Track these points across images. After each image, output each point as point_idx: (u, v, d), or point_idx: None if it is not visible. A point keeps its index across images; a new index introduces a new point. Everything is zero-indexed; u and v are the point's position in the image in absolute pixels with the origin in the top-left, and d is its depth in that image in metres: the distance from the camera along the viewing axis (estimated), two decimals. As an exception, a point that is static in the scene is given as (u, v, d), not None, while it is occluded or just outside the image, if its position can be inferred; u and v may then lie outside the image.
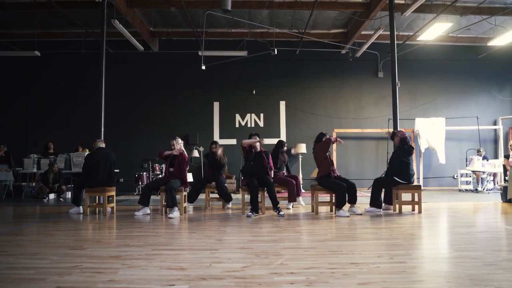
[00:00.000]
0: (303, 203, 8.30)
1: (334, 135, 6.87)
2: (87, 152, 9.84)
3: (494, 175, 11.62)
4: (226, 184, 11.41)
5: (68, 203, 9.18)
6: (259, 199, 7.29)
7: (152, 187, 7.21)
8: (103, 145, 7.49)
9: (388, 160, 7.70)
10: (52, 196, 10.25)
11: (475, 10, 10.42)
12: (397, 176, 7.14)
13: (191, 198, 7.78)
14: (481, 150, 11.63)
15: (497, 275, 3.07)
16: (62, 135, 12.64)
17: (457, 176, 12.75)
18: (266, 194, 7.17)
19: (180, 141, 7.29)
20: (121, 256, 3.76)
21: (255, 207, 6.79)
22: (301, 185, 8.43)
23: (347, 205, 6.91)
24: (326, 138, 7.04)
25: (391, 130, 7.61)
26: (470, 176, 12.08)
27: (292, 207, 7.90)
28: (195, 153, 12.52)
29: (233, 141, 13.06)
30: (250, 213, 6.72)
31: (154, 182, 7.41)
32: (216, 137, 13.20)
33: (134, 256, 3.78)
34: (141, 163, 12.17)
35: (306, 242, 4.56)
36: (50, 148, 11.43)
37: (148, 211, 7.11)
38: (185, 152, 7.32)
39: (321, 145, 7.03)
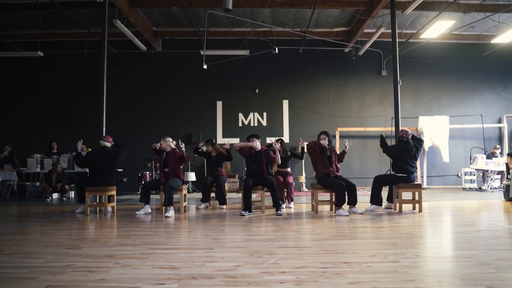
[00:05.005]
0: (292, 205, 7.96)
1: (337, 138, 6.78)
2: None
3: (502, 173, 11.50)
4: (229, 184, 11.55)
5: (71, 203, 9.26)
6: (259, 199, 7.33)
7: (151, 186, 7.25)
8: (107, 144, 7.46)
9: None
10: (55, 195, 10.31)
11: (478, 8, 10.34)
12: (397, 171, 7.17)
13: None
14: (497, 146, 11.84)
15: (490, 275, 3.04)
16: (66, 134, 12.70)
17: (461, 174, 12.67)
18: (266, 193, 7.18)
19: (168, 139, 7.32)
20: (115, 255, 3.78)
21: (247, 206, 6.81)
22: (293, 188, 8.19)
23: (347, 207, 6.89)
24: (317, 141, 6.97)
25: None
26: (474, 175, 12.01)
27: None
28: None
29: (236, 140, 13.05)
30: (244, 212, 6.76)
31: (153, 182, 7.45)
32: (219, 136, 13.23)
33: (128, 255, 3.80)
34: (144, 163, 12.21)
35: (302, 241, 4.55)
36: (54, 148, 11.50)
37: (149, 210, 7.16)
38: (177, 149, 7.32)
39: (310, 145, 7.03)
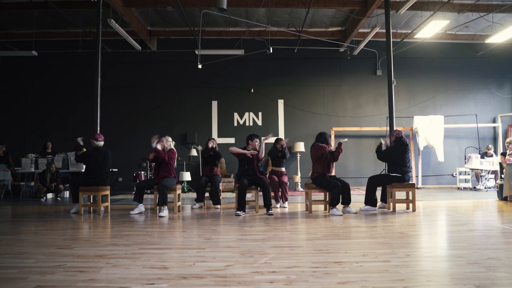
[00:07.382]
0: (286, 205, 7.99)
1: (333, 138, 6.82)
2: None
3: (496, 173, 11.54)
4: (225, 183, 11.55)
5: (66, 203, 9.23)
6: (253, 198, 7.34)
7: (145, 185, 7.25)
8: (100, 143, 7.47)
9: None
10: (49, 195, 10.28)
11: (472, 8, 10.38)
12: (392, 171, 7.18)
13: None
14: (489, 146, 11.76)
15: (479, 274, 3.06)
16: (61, 134, 12.68)
17: (456, 174, 12.71)
18: (260, 193, 7.19)
19: (169, 138, 7.31)
20: (106, 255, 3.77)
21: (241, 205, 6.83)
22: (288, 187, 8.20)
23: (341, 206, 6.90)
24: (327, 147, 6.99)
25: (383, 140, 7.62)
26: (469, 174, 12.05)
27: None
28: (193, 152, 12.52)
29: (231, 140, 13.07)
30: (239, 212, 6.77)
31: (147, 181, 7.44)
32: (214, 136, 13.20)
33: (120, 255, 3.79)
34: (139, 162, 12.20)
35: (294, 241, 4.55)
36: (48, 147, 11.47)
37: (143, 209, 7.17)
38: (174, 149, 7.35)
39: (319, 147, 7.00)
